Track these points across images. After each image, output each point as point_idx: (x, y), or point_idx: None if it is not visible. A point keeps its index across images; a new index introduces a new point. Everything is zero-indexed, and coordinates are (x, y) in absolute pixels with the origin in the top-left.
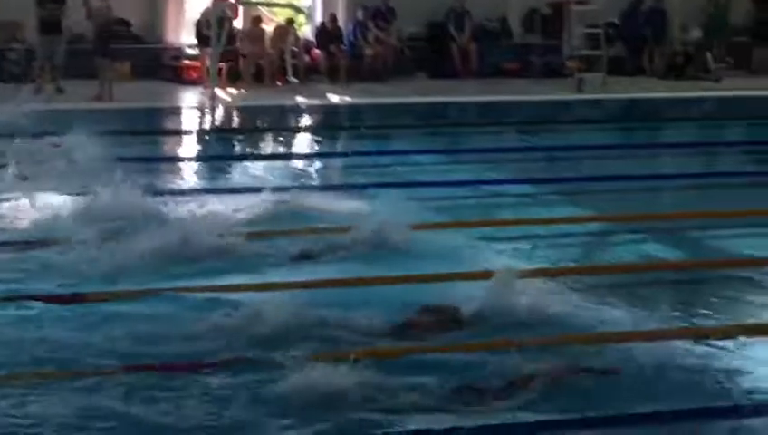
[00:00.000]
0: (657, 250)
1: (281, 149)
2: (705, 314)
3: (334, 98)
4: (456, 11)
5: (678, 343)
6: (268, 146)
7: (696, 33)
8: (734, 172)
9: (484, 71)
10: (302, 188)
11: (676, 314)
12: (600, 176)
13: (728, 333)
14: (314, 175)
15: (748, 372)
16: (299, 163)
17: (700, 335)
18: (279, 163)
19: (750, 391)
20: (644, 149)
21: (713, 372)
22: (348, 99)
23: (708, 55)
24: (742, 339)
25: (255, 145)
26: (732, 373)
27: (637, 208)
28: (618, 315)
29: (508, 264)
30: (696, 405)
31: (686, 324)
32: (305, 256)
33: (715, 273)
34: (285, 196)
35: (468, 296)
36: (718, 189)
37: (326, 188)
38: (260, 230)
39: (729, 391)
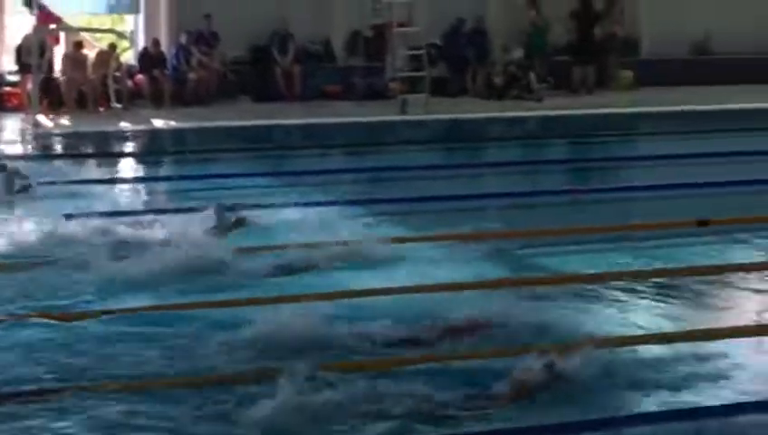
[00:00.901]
0: (483, 269)
1: (103, 175)
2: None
3: (158, 123)
4: (278, 34)
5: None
6: (90, 172)
7: (517, 54)
8: (557, 191)
9: (308, 93)
10: (121, 213)
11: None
12: (426, 196)
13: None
14: (134, 200)
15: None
16: (121, 188)
17: (520, 353)
18: (100, 188)
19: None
20: (468, 169)
21: None
22: (172, 123)
23: (531, 75)
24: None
25: (77, 171)
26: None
27: (461, 227)
28: None
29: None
30: None
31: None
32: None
33: (540, 290)
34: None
35: None
36: (541, 208)
37: (146, 212)
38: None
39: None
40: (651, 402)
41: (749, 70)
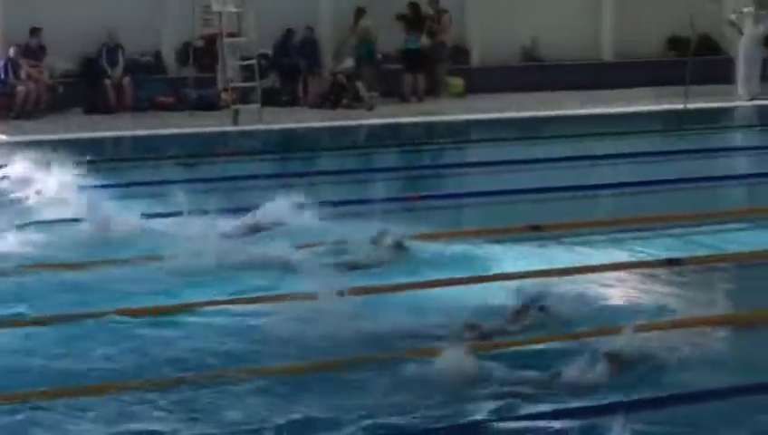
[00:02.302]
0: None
1: None
2: None
3: None
4: (108, 46)
5: None
6: None
7: (348, 63)
8: (392, 198)
9: (139, 105)
10: None
11: None
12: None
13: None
14: None
15: None
16: None
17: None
18: None
19: None
20: (301, 178)
21: None
22: (2, 137)
23: (360, 84)
24: None
25: None
26: None
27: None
28: None
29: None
30: None
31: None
32: None
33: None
34: None
35: None
36: (373, 215)
37: None
38: None
39: None
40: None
41: (577, 75)
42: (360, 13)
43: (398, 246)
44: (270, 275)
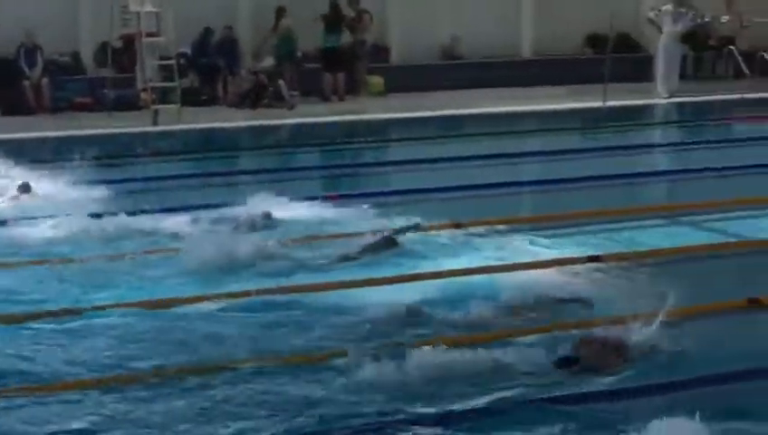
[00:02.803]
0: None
1: None
2: None
3: None
4: (26, 46)
5: None
6: None
7: (269, 62)
8: (311, 197)
9: (58, 106)
10: None
11: None
12: (178, 207)
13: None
14: None
15: None
16: None
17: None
18: None
19: None
20: (221, 178)
21: None
22: None
23: (281, 83)
24: None
25: None
26: None
27: None
28: None
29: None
30: None
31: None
32: None
33: None
34: None
35: None
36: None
37: None
38: None
39: None
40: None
41: (496, 73)
42: (280, 12)
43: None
44: None
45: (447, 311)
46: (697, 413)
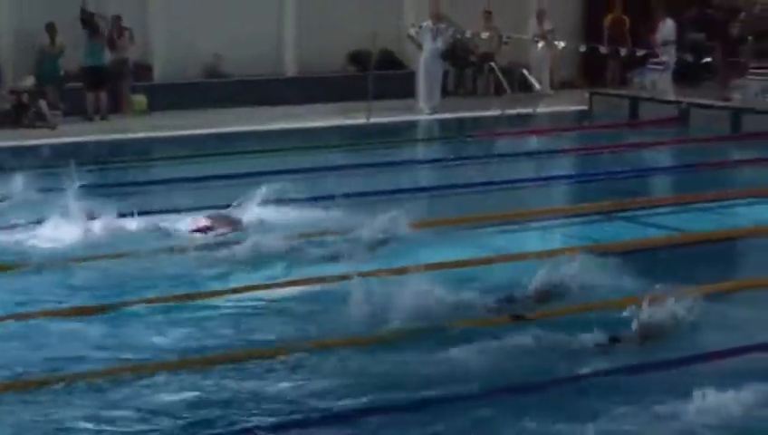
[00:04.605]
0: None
1: None
2: None
3: None
4: None
5: None
6: None
7: (29, 81)
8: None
9: None
10: None
11: None
12: None
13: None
14: None
15: None
16: None
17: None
18: None
19: None
20: None
21: None
22: None
23: (42, 103)
24: None
25: None
26: None
27: None
28: None
29: None
30: None
31: None
32: None
33: None
34: None
35: None
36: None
37: None
38: None
39: None
40: None
41: (261, 91)
42: (52, 29)
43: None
44: None
45: None
46: None
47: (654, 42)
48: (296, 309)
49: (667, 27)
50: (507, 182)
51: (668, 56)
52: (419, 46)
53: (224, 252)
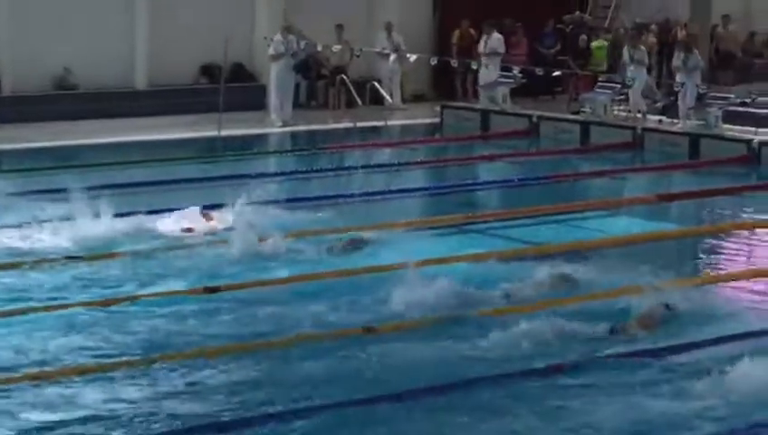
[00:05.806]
0: None
1: None
2: None
3: None
4: None
5: None
6: None
7: None
8: None
9: None
10: None
11: None
12: None
13: None
14: None
15: None
16: None
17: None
18: None
19: None
20: None
21: None
22: None
23: None
24: None
25: None
26: None
27: None
28: None
29: None
30: None
31: None
32: None
33: None
34: None
35: None
36: None
37: None
38: None
39: None
40: None
41: (111, 103)
42: None
43: None
44: None
45: None
46: None
47: (476, 54)
48: None
49: (492, 40)
50: (358, 195)
51: (494, 67)
52: (271, 58)
53: None
